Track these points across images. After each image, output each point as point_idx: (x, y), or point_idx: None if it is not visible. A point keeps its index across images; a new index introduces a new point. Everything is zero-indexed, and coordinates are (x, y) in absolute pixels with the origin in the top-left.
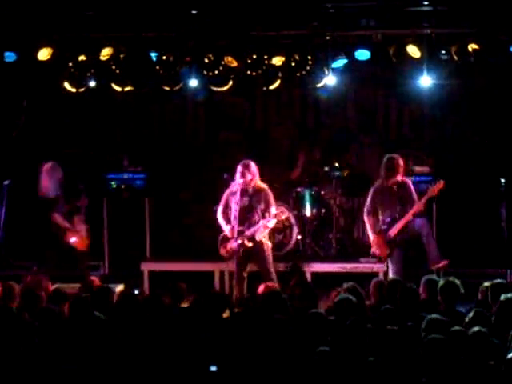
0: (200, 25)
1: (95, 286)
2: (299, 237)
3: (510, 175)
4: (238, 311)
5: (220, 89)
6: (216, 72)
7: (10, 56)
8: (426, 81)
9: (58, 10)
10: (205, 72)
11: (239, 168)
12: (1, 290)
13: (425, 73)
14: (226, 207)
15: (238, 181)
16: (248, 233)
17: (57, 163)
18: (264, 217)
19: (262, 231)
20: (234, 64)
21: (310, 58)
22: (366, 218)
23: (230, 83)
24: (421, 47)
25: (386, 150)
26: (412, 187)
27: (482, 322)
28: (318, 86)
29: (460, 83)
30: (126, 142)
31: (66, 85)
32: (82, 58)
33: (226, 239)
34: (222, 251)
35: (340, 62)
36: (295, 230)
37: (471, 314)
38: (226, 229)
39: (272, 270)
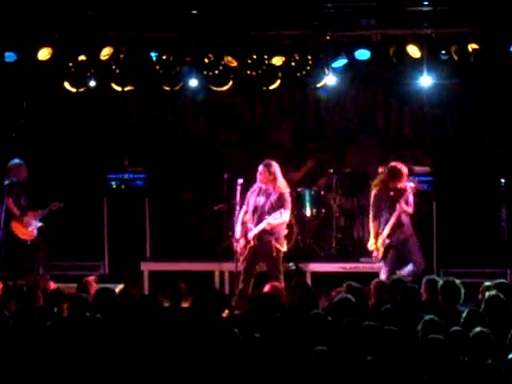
0: (200, 25)
1: (93, 286)
2: (299, 237)
3: (510, 175)
4: (237, 312)
5: (220, 89)
6: (216, 72)
7: (10, 56)
8: (426, 81)
9: (58, 10)
10: (205, 72)
11: (260, 167)
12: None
13: (425, 73)
14: (246, 207)
15: (258, 180)
16: (253, 231)
17: (23, 164)
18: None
19: (276, 230)
20: (234, 64)
21: (310, 57)
22: (371, 224)
23: (230, 83)
24: (421, 47)
25: (386, 149)
26: (409, 194)
27: (477, 321)
28: (318, 85)
29: (460, 83)
30: (126, 142)
31: (66, 85)
32: (82, 57)
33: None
34: (236, 246)
35: (340, 62)
36: (295, 229)
37: (465, 314)
38: (239, 228)
39: (280, 271)
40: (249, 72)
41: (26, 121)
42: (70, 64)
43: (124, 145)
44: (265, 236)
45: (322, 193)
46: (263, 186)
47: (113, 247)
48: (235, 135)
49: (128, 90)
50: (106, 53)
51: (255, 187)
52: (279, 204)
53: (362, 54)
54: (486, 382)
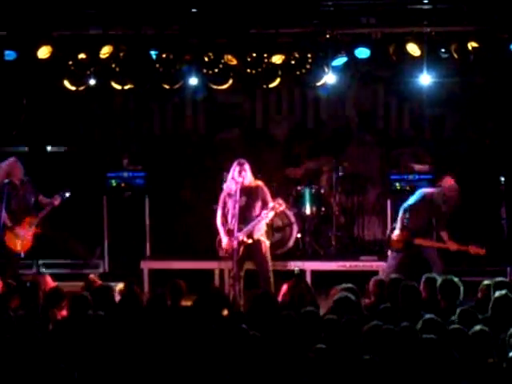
0: (200, 23)
1: (95, 284)
2: (299, 235)
3: (509, 174)
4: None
5: (220, 87)
6: (216, 70)
7: (9, 54)
8: (425, 79)
9: (57, 8)
10: (205, 70)
11: (237, 167)
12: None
13: (425, 71)
14: (224, 209)
15: (237, 180)
16: (246, 229)
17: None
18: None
19: (261, 226)
20: (234, 62)
21: (309, 56)
22: (403, 214)
23: (230, 81)
24: (421, 45)
25: (385, 148)
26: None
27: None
28: (318, 84)
29: (460, 81)
30: (126, 141)
31: (66, 83)
32: (81, 56)
33: (224, 240)
34: (221, 252)
35: (340, 60)
36: (295, 228)
37: (457, 313)
38: (224, 231)
39: (269, 268)
40: (248, 70)
41: (26, 119)
42: (70, 62)
43: (123, 143)
44: (253, 234)
45: (322, 191)
46: (241, 186)
47: (113, 246)
48: (235, 133)
49: (128, 89)
50: (105, 51)
51: (231, 189)
52: (263, 198)
53: (362, 53)
54: (486, 381)
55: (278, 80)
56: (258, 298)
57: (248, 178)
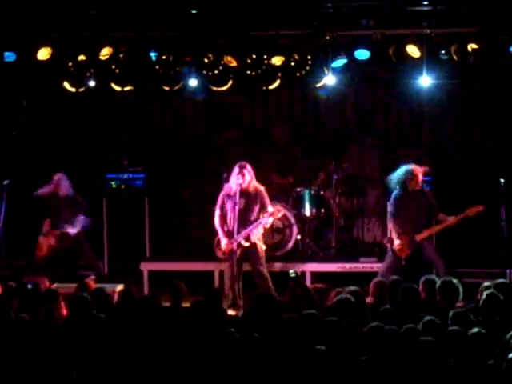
0: (199, 24)
1: (91, 287)
2: (299, 236)
3: (509, 175)
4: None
5: (220, 88)
6: (216, 72)
7: (9, 56)
8: (425, 80)
9: (57, 10)
10: (204, 72)
11: (237, 169)
12: (0, 290)
13: (424, 72)
14: (222, 210)
15: (237, 181)
16: (244, 232)
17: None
18: (260, 217)
19: (259, 230)
20: (234, 64)
21: (309, 57)
22: (392, 223)
23: (230, 83)
24: (420, 47)
25: (385, 149)
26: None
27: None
28: (318, 85)
29: (459, 83)
30: (126, 142)
31: (66, 84)
32: (81, 57)
33: (223, 241)
34: (219, 253)
35: (340, 62)
36: (295, 229)
37: (450, 315)
38: (222, 232)
39: (265, 271)
40: (248, 72)
41: (26, 121)
42: (70, 64)
43: (123, 144)
44: (250, 237)
45: (322, 193)
46: (241, 188)
47: (112, 247)
48: (235, 135)
49: (128, 90)
50: (105, 53)
51: (232, 190)
52: (262, 202)
53: (362, 54)
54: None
55: (277, 82)
56: (258, 298)
57: (248, 180)
